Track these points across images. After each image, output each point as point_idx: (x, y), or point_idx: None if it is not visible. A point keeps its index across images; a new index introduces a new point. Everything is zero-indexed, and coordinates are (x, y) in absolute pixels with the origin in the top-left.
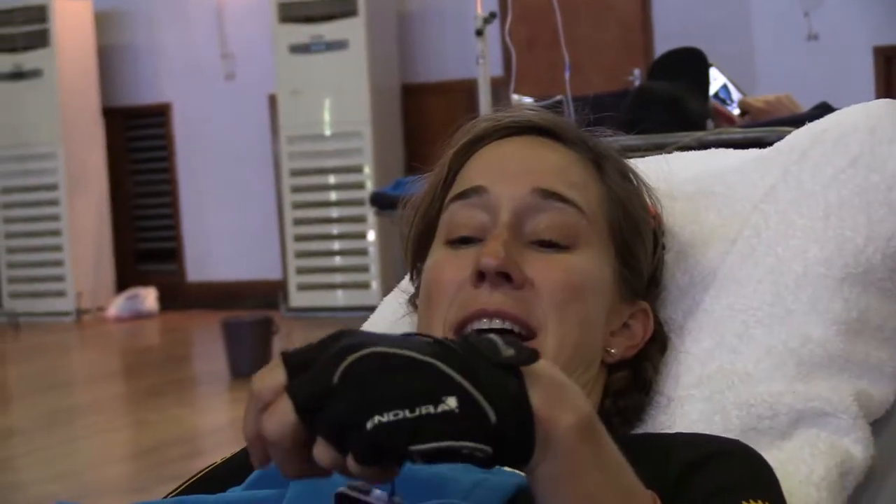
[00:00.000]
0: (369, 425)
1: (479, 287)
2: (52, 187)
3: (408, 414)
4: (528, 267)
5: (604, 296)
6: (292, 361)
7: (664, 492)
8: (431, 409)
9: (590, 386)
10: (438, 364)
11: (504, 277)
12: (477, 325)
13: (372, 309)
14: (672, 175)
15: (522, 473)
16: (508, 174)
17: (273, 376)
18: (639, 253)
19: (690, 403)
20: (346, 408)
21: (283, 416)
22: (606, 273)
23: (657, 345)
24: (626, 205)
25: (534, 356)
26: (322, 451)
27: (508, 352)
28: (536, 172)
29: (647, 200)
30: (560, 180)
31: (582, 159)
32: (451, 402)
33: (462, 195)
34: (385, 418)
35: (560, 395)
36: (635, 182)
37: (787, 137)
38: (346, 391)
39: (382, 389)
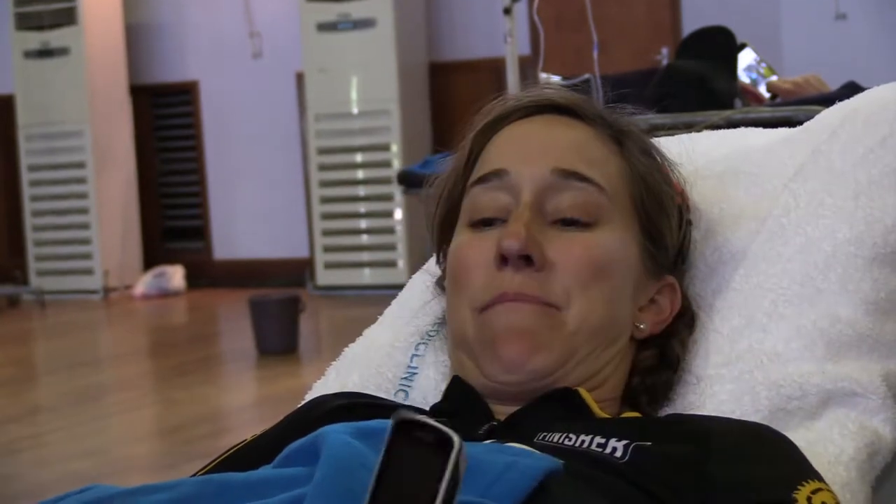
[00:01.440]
0: None
1: (502, 270)
2: (80, 165)
3: None
4: (550, 247)
5: (629, 271)
6: None
7: (705, 481)
8: None
9: (616, 361)
10: None
11: (526, 260)
12: (500, 309)
13: (399, 287)
14: (701, 154)
15: (553, 457)
16: (528, 155)
17: None
18: (663, 228)
19: (720, 383)
20: None
21: None
22: (632, 249)
23: (684, 321)
24: (648, 180)
25: None
26: None
27: None
28: (556, 151)
29: (672, 176)
30: (579, 158)
31: (601, 135)
32: None
33: (483, 179)
34: None
35: None
36: (658, 158)
37: (817, 117)
38: None
39: None
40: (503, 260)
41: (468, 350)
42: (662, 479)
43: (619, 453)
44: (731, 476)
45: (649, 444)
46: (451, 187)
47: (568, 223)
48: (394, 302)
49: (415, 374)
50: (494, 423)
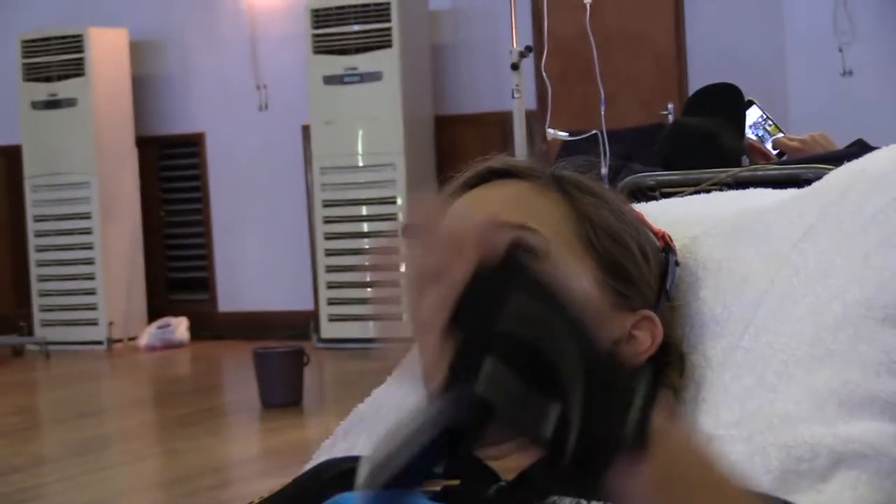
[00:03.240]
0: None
1: None
2: (86, 216)
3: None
4: None
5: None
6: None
7: None
8: (536, 402)
9: None
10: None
11: None
12: None
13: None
14: (710, 214)
15: None
16: None
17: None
18: (625, 263)
19: (730, 443)
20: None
21: (443, 302)
22: (581, 282)
23: (672, 362)
24: (594, 218)
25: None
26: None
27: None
28: (488, 210)
29: (630, 210)
30: (509, 210)
31: (538, 186)
32: (553, 411)
33: None
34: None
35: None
36: (607, 197)
37: (826, 177)
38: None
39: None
40: None
41: None
42: None
43: None
44: None
45: None
46: None
47: None
48: (402, 362)
49: None
50: (502, 483)
